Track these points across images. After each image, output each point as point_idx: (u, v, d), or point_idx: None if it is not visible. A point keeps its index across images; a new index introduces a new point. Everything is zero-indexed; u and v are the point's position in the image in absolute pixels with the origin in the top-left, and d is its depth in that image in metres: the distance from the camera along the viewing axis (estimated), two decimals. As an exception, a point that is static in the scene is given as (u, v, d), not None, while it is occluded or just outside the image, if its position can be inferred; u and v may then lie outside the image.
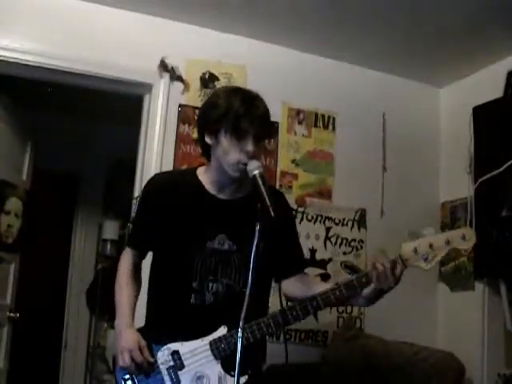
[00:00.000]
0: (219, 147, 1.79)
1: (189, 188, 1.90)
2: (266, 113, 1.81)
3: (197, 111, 3.06)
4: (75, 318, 4.84)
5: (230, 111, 1.75)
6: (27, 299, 3.98)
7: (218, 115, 1.77)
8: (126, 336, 1.80)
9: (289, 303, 1.84)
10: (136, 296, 1.96)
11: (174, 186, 1.92)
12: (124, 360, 1.76)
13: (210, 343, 1.76)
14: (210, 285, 1.81)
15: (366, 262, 3.37)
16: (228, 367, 1.74)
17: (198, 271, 1.81)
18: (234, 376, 1.69)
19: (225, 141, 1.76)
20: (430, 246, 1.73)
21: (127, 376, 1.80)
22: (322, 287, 1.82)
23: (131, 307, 1.90)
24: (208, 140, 1.83)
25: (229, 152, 1.76)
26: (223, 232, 1.84)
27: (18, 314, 3.46)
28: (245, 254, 1.69)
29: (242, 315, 1.53)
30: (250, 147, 1.74)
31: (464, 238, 1.73)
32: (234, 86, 1.96)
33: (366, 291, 1.76)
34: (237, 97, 1.78)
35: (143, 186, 2.09)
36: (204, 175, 1.92)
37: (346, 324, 3.26)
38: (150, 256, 2.01)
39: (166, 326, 1.83)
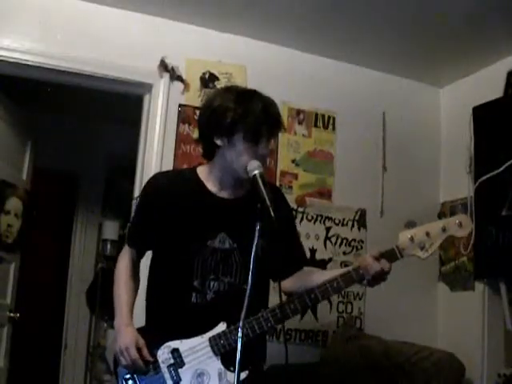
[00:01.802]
0: (232, 149, 1.79)
1: (189, 187, 1.90)
2: (281, 118, 1.86)
3: (197, 111, 3.08)
4: (75, 318, 4.84)
5: (249, 115, 1.75)
6: (27, 299, 3.98)
7: (235, 118, 1.76)
8: (124, 335, 1.80)
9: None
10: (134, 294, 1.96)
11: (175, 184, 1.92)
12: (125, 359, 1.77)
13: (210, 340, 1.76)
14: (211, 283, 1.82)
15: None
16: (228, 363, 1.74)
17: (198, 270, 1.82)
18: (233, 371, 1.70)
19: (240, 144, 1.77)
20: (427, 234, 1.73)
21: (128, 376, 1.80)
22: (321, 275, 1.85)
23: (130, 306, 1.90)
24: (218, 141, 1.82)
25: (243, 154, 1.77)
26: (224, 231, 1.84)
27: (18, 314, 3.46)
28: (245, 252, 1.69)
29: (243, 314, 1.53)
30: (265, 151, 1.79)
31: (460, 226, 1.73)
32: (244, 88, 1.93)
33: (365, 281, 1.78)
34: (254, 101, 1.78)
35: (143, 185, 2.09)
36: (205, 174, 1.91)
37: (345, 324, 3.26)
38: (148, 255, 2.01)
39: (167, 325, 1.83)
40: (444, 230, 1.73)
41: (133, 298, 1.93)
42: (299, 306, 1.77)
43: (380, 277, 1.74)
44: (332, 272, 1.89)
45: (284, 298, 1.92)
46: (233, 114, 1.76)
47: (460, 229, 1.73)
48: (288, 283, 1.95)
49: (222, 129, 1.80)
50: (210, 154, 1.90)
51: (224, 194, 1.89)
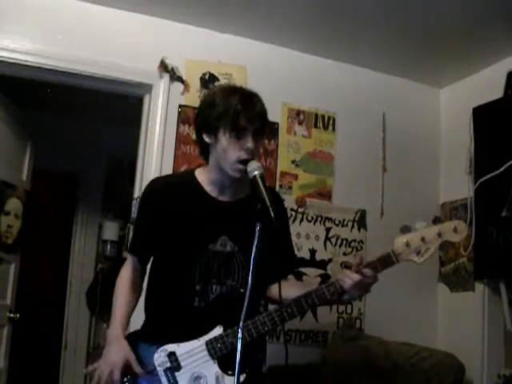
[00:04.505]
0: (218, 146, 1.79)
1: (189, 190, 1.90)
2: (263, 110, 1.82)
3: (197, 112, 3.08)
4: (75, 318, 4.84)
5: (228, 109, 1.75)
6: (27, 299, 3.98)
7: (217, 114, 1.77)
8: (113, 351, 1.81)
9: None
10: (132, 306, 1.94)
11: (174, 189, 1.91)
12: (103, 373, 1.78)
13: (206, 343, 1.75)
14: (214, 287, 1.81)
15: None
16: (225, 366, 1.74)
17: (201, 274, 1.81)
18: (231, 375, 1.70)
19: (224, 139, 1.76)
20: (422, 239, 1.73)
21: (124, 379, 1.79)
22: (296, 289, 1.83)
23: (125, 318, 1.89)
24: (207, 139, 1.84)
25: (228, 150, 1.76)
26: (225, 234, 1.84)
27: (18, 315, 3.46)
28: (247, 254, 1.67)
29: (242, 316, 1.52)
30: (249, 144, 1.75)
31: (455, 231, 1.74)
32: (230, 85, 1.96)
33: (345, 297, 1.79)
34: (235, 95, 1.79)
35: (142, 189, 2.08)
36: (203, 176, 1.91)
37: (346, 325, 3.26)
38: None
39: (169, 328, 1.81)
40: (439, 235, 1.73)
41: (129, 311, 1.92)
42: (296, 310, 1.76)
43: (359, 287, 1.74)
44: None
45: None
46: (215, 110, 1.78)
47: (455, 234, 1.74)
48: (274, 290, 1.90)
49: (207, 126, 1.82)
50: (204, 153, 1.90)
51: (224, 197, 1.88)
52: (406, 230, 1.76)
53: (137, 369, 1.77)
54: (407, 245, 1.73)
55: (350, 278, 1.73)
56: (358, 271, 1.74)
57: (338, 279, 1.76)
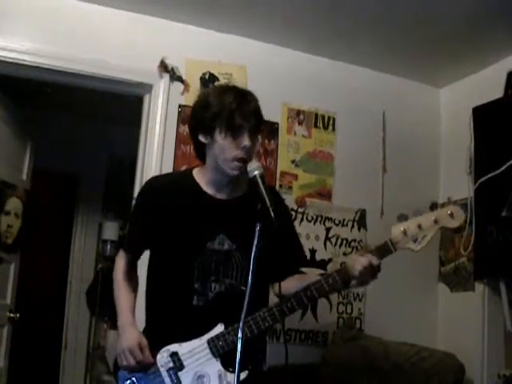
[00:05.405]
0: (215, 146, 1.79)
1: (186, 189, 1.90)
2: (258, 107, 1.83)
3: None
4: (75, 318, 4.84)
5: (223, 108, 1.76)
6: (27, 299, 3.98)
7: (212, 114, 1.78)
8: (127, 335, 1.80)
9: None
10: (134, 294, 1.96)
11: (171, 187, 1.91)
12: (127, 360, 1.76)
13: (208, 342, 1.75)
14: (213, 285, 1.81)
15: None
16: (227, 364, 1.74)
17: (199, 272, 1.81)
18: (233, 372, 1.69)
19: (220, 138, 1.77)
20: (419, 226, 1.72)
21: (128, 382, 1.79)
22: (296, 282, 1.84)
23: (130, 306, 1.90)
24: (203, 139, 1.84)
25: (225, 149, 1.77)
26: (222, 232, 1.83)
27: (18, 315, 3.46)
28: (246, 253, 1.68)
29: (243, 315, 1.52)
30: (246, 142, 1.76)
31: (452, 217, 1.72)
32: (223, 85, 1.98)
33: (353, 282, 1.77)
34: (228, 94, 1.80)
35: (140, 189, 2.08)
36: (200, 176, 1.91)
37: (346, 325, 3.26)
38: (146, 259, 2.00)
39: (169, 328, 1.82)
40: (436, 221, 1.72)
41: (133, 298, 1.94)
42: (296, 304, 1.76)
43: (368, 273, 1.72)
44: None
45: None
46: (209, 110, 1.79)
47: (452, 220, 1.72)
48: (286, 288, 1.93)
49: (202, 126, 1.82)
50: (200, 154, 1.91)
51: (221, 196, 1.88)
52: (402, 218, 1.74)
53: (147, 354, 1.76)
54: (404, 233, 1.72)
55: (358, 263, 1.71)
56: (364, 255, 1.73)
57: (345, 264, 1.75)
